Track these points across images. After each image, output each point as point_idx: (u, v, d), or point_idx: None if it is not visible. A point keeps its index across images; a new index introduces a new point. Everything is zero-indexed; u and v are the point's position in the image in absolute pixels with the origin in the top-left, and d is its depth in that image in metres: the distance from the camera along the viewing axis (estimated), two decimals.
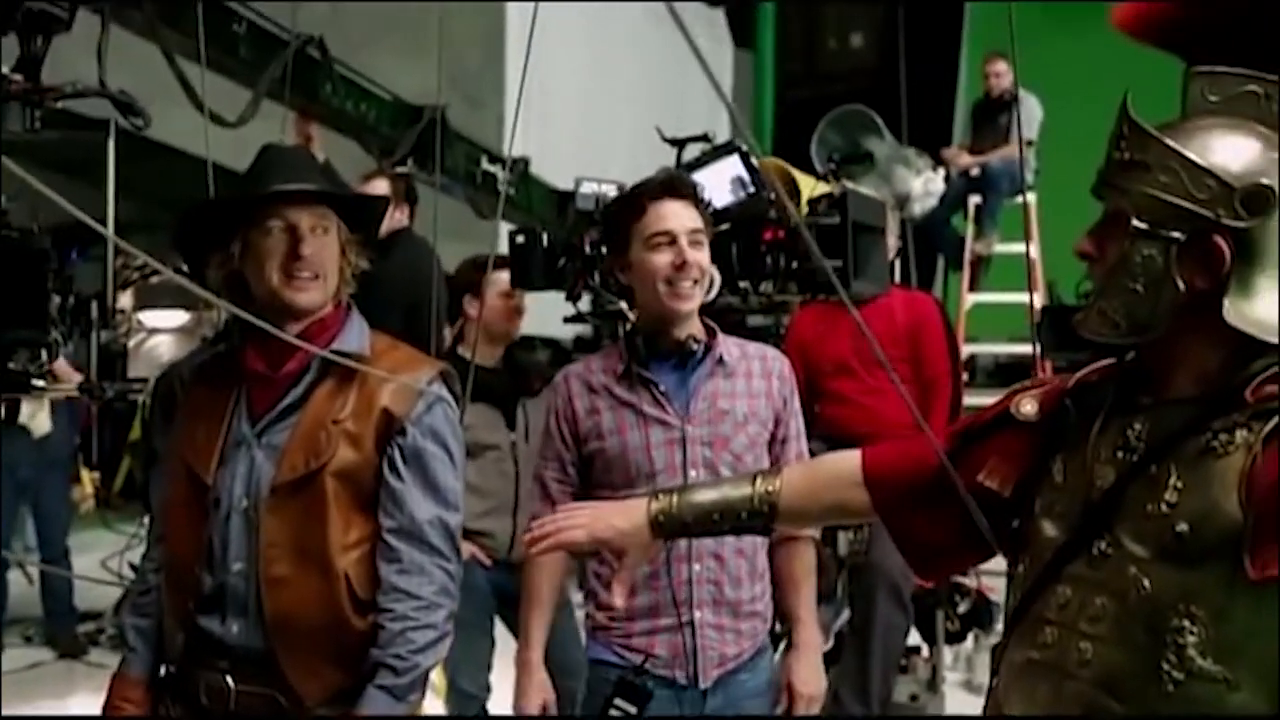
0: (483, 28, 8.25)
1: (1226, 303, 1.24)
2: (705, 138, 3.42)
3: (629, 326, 2.45)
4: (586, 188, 3.24)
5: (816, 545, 2.49)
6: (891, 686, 3.79)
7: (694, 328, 2.26)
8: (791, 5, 12.95)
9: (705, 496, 1.65)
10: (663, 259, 2.18)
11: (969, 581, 4.28)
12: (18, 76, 2.55)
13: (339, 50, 4.59)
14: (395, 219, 4.24)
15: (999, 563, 1.52)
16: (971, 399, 4.40)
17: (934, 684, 4.29)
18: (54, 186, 1.32)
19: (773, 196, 2.81)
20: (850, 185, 3.39)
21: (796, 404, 2.36)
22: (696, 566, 2.21)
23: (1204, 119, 1.29)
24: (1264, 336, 1.23)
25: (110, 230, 2.38)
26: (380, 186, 4.19)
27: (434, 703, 3.35)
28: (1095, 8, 1.62)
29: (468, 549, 2.78)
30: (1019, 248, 6.86)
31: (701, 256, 2.20)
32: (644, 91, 9.65)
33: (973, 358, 7.48)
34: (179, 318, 5.58)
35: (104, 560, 6.48)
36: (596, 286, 3.05)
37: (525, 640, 2.35)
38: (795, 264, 2.82)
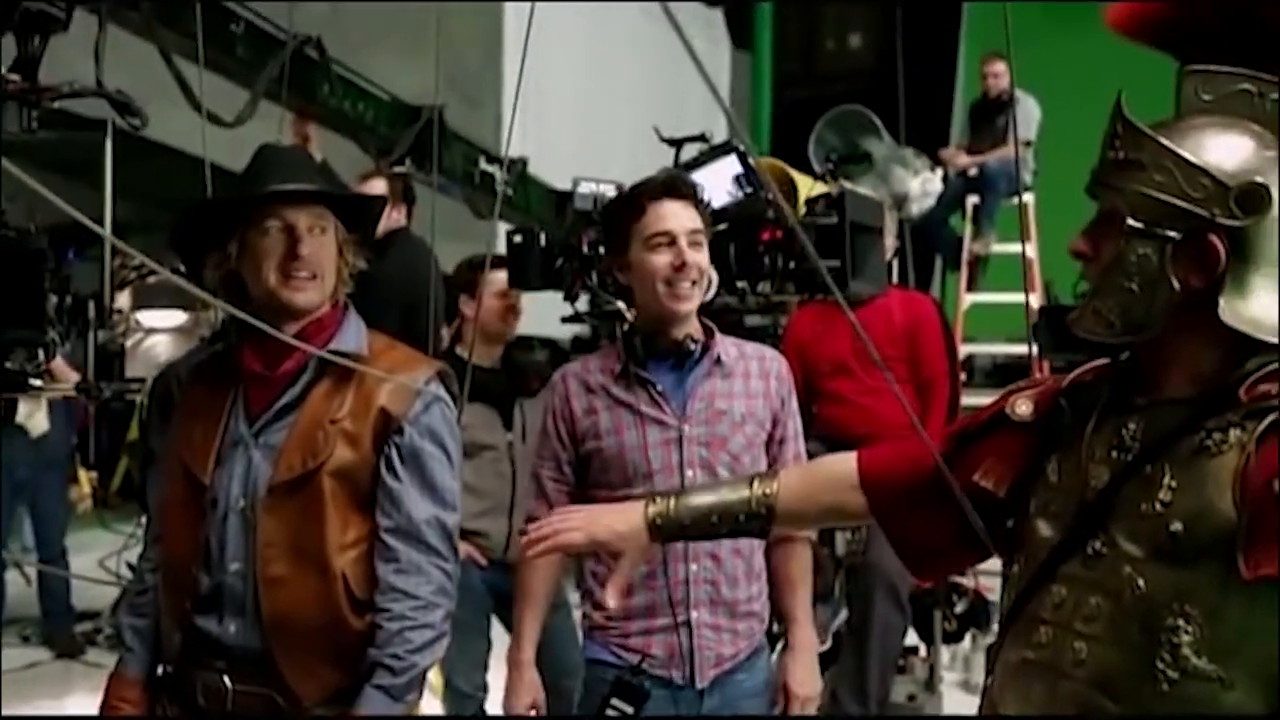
0: (481, 28, 8.25)
1: (1222, 301, 1.24)
2: (703, 137, 3.42)
3: (627, 326, 2.45)
4: (584, 188, 3.24)
5: (813, 546, 2.49)
6: (889, 686, 3.80)
7: (692, 328, 2.26)
8: (789, 6, 12.95)
9: (703, 499, 1.65)
10: (662, 259, 2.18)
11: (966, 581, 4.28)
12: (15, 76, 2.54)
13: (337, 50, 4.59)
14: (393, 219, 4.24)
15: (996, 563, 1.52)
16: (969, 399, 4.40)
17: (931, 684, 4.29)
18: (51, 186, 1.32)
19: (770, 197, 2.82)
20: (848, 185, 3.40)
21: (794, 404, 2.36)
22: (693, 566, 2.21)
23: (1197, 118, 1.29)
24: (1259, 335, 1.24)
25: (107, 230, 2.38)
26: (378, 186, 4.19)
27: (431, 702, 3.35)
28: (1094, 8, 1.62)
29: (464, 549, 2.78)
30: (1017, 248, 6.86)
31: (701, 257, 2.20)
32: (642, 91, 9.64)
33: (970, 358, 7.48)
34: (176, 318, 5.57)
35: (101, 560, 6.48)
36: (594, 286, 3.05)
37: (517, 639, 2.35)
38: (793, 264, 2.82)
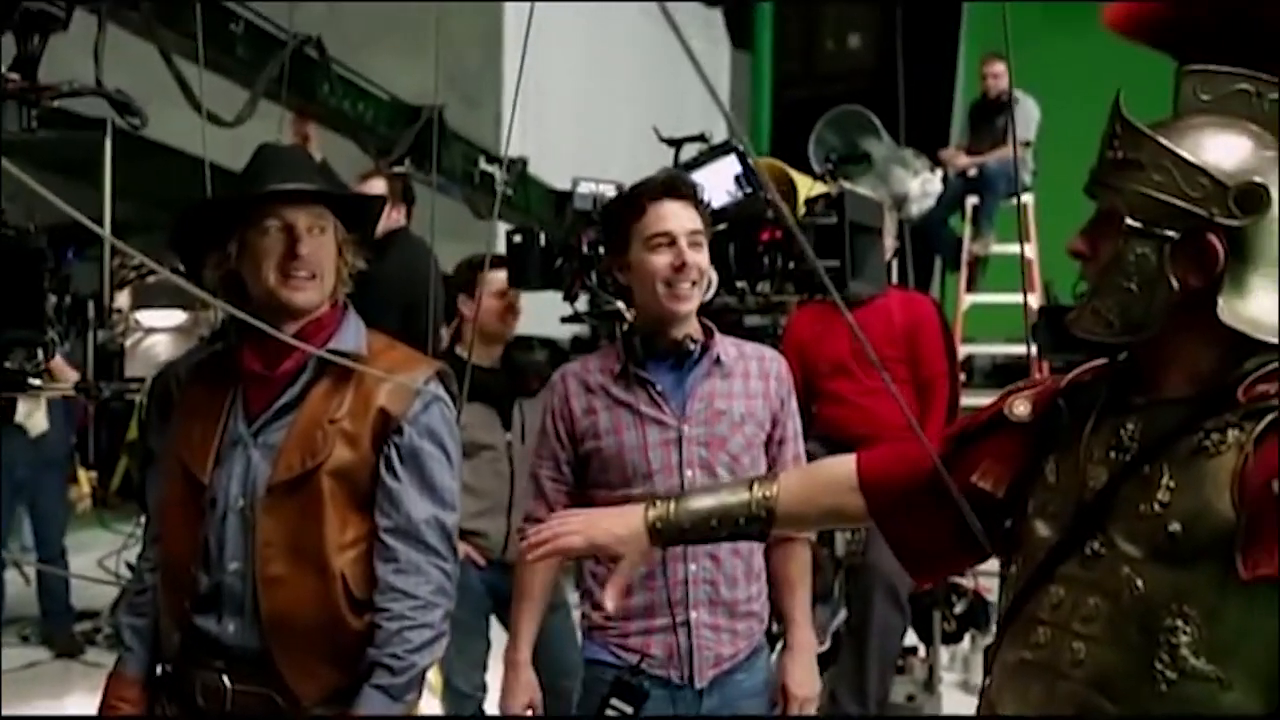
0: (481, 27, 8.25)
1: (1221, 301, 1.24)
2: (702, 137, 3.42)
3: (626, 326, 2.45)
4: (584, 188, 3.24)
5: (812, 546, 2.49)
6: (888, 687, 3.80)
7: (691, 328, 2.26)
8: (789, 6, 12.95)
9: (703, 503, 1.65)
10: (662, 260, 2.18)
11: (966, 582, 4.28)
12: (14, 76, 2.54)
13: (336, 50, 4.58)
14: (392, 219, 4.24)
15: (996, 563, 1.52)
16: (969, 400, 4.40)
17: (931, 684, 4.29)
18: (50, 186, 1.32)
19: (769, 198, 2.82)
20: (848, 186, 3.40)
21: (794, 404, 2.36)
22: (693, 566, 2.21)
23: (1196, 117, 1.29)
24: (1258, 335, 1.24)
25: (107, 230, 2.38)
26: (377, 186, 4.19)
27: (430, 702, 3.35)
28: (1093, 8, 1.62)
29: (462, 549, 2.77)
30: (1016, 248, 6.86)
31: (700, 258, 2.20)
32: (642, 91, 9.64)
33: (970, 358, 7.48)
34: (176, 317, 5.57)
35: (101, 560, 6.48)
36: (594, 286, 3.06)
37: (514, 639, 2.36)
38: (792, 264, 2.82)
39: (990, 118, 7.50)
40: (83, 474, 6.37)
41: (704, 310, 2.30)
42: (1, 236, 2.47)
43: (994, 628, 1.48)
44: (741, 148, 2.98)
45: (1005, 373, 7.34)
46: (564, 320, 3.43)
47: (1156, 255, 1.26)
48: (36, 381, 2.57)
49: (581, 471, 2.28)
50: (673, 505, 1.63)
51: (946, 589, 4.20)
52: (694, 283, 2.19)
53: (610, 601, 1.63)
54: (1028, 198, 7.15)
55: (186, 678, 1.96)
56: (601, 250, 2.96)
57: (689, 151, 3.39)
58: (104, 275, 2.80)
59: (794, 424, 2.35)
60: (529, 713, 2.33)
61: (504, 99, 8.10)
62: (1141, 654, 1.22)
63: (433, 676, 3.23)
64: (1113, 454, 1.31)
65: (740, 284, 2.84)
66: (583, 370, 2.31)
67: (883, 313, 3.69)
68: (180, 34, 3.51)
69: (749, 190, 2.91)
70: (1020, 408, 1.46)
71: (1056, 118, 7.30)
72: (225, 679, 1.91)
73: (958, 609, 4.25)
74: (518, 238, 3.24)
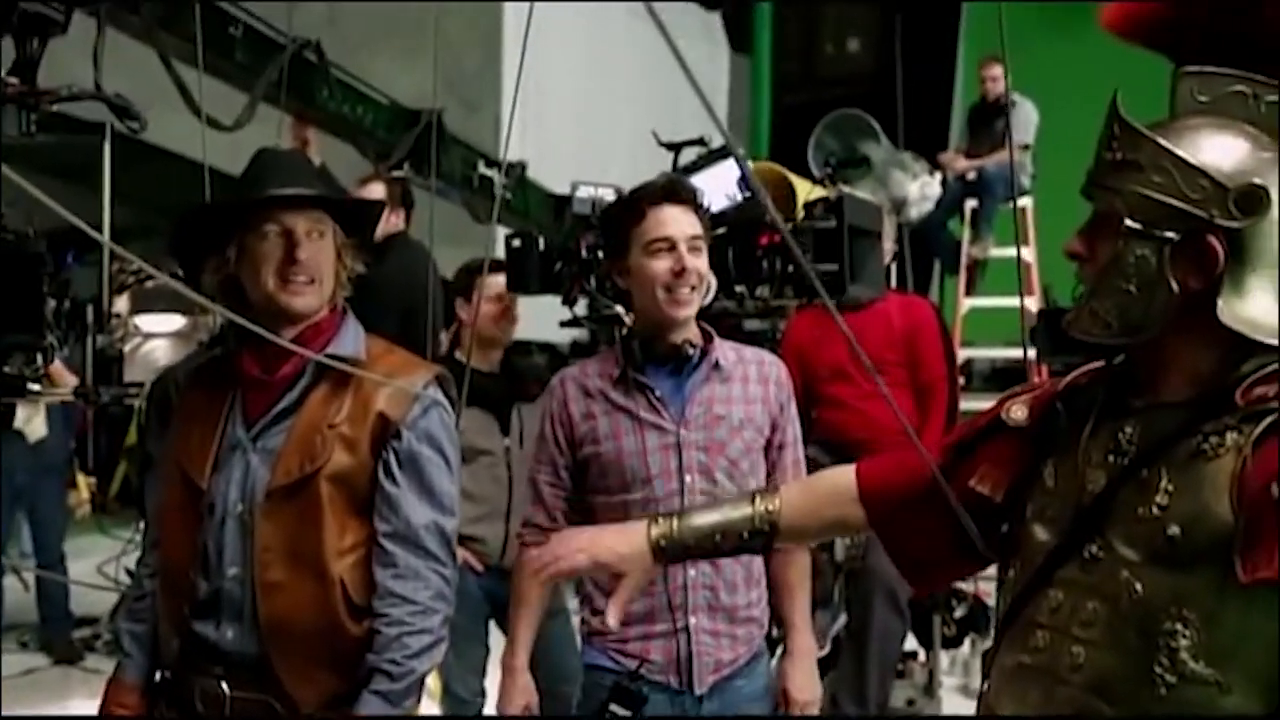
0: (480, 30, 8.25)
1: (1220, 303, 1.24)
2: (701, 141, 3.42)
3: (625, 331, 2.45)
4: (583, 192, 3.24)
5: (812, 551, 2.48)
6: (888, 691, 3.79)
7: (691, 333, 2.25)
8: (788, 9, 12.96)
9: (705, 519, 1.65)
10: (662, 265, 2.17)
11: (965, 586, 4.28)
12: (13, 80, 2.54)
13: (335, 53, 4.59)
14: (391, 223, 4.24)
15: (995, 568, 1.52)
16: (968, 403, 4.40)
17: (931, 689, 4.29)
18: (49, 191, 1.32)
19: (763, 203, 2.82)
20: (846, 189, 3.40)
21: (793, 409, 2.36)
22: (692, 572, 2.20)
23: (1193, 119, 1.29)
24: (1258, 336, 1.23)
25: (106, 235, 2.38)
26: (376, 190, 4.19)
27: (429, 707, 3.34)
28: (1091, 10, 1.62)
29: (460, 554, 2.78)
30: (1015, 252, 6.87)
31: (700, 263, 2.20)
32: (642, 93, 9.64)
33: (969, 362, 7.48)
34: (175, 322, 5.59)
35: (100, 565, 6.48)
36: (593, 291, 3.06)
37: (511, 644, 2.35)
38: (791, 268, 2.82)
39: (989, 121, 7.50)
40: (82, 479, 6.36)
41: (703, 315, 2.30)
42: (1, 241, 2.46)
43: (993, 632, 1.48)
44: (737, 153, 2.98)
45: (1004, 376, 7.34)
46: (563, 325, 3.43)
47: (1156, 257, 1.26)
48: (35, 386, 2.57)
49: (580, 476, 2.28)
50: (675, 522, 1.63)
51: (946, 593, 4.20)
52: (693, 288, 2.19)
53: (613, 619, 1.63)
54: (1026, 201, 7.17)
55: (185, 683, 1.95)
56: (600, 255, 2.96)
57: (688, 155, 3.40)
58: (103, 280, 2.80)
59: (793, 429, 2.35)
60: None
61: (503, 101, 8.10)
62: (1140, 658, 1.22)
63: (432, 682, 3.23)
64: (1111, 457, 1.31)
65: (739, 288, 2.85)
66: (581, 375, 2.31)
67: (882, 316, 3.69)
68: (179, 38, 3.51)
69: (749, 194, 2.91)
70: (1018, 412, 1.46)
71: (1056, 121, 7.30)
72: (224, 685, 1.91)
73: (958, 613, 4.25)
74: (517, 242, 3.25)
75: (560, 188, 4.94)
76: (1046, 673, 1.31)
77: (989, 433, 1.49)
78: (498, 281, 3.32)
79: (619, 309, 2.89)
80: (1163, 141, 1.26)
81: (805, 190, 3.23)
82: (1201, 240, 1.24)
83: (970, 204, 7.46)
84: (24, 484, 5.46)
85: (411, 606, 1.89)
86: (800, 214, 2.92)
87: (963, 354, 6.61)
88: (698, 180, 2.63)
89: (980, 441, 1.49)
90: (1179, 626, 1.19)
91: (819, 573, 2.85)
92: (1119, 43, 1.46)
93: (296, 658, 1.89)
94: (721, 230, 2.69)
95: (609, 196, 3.11)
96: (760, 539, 1.63)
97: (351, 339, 1.99)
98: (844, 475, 1.62)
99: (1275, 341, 1.23)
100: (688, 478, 2.19)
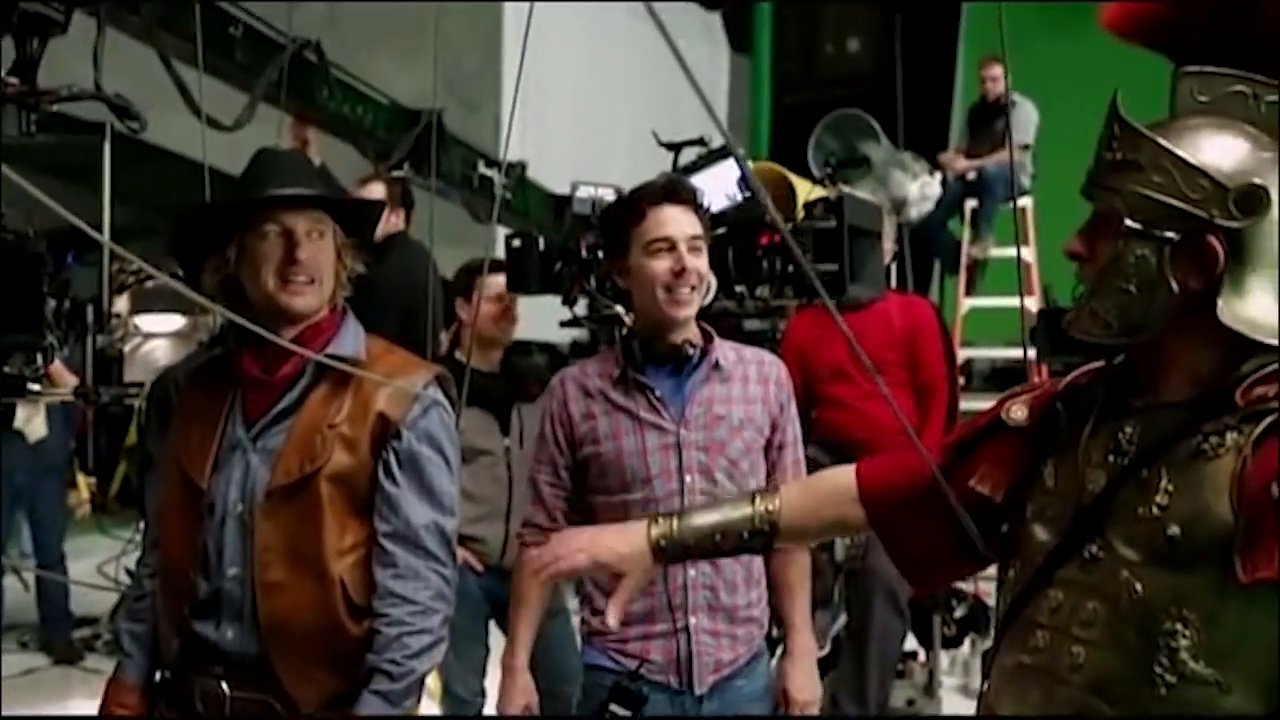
0: (480, 30, 8.25)
1: (1220, 303, 1.24)
2: (701, 141, 3.42)
3: (625, 331, 2.45)
4: (583, 192, 3.24)
5: (812, 551, 2.48)
6: (888, 691, 3.79)
7: (691, 333, 2.25)
8: (788, 9, 12.96)
9: (705, 519, 1.65)
10: (662, 265, 2.17)
11: (966, 586, 4.28)
12: (13, 80, 2.54)
13: (335, 53, 4.59)
14: (391, 223, 4.24)
15: (995, 568, 1.52)
16: (968, 403, 4.40)
17: (931, 689, 4.29)
18: (49, 191, 1.32)
19: (763, 203, 2.82)
20: (847, 189, 3.40)
21: (793, 409, 2.36)
22: (692, 572, 2.20)
23: (1193, 119, 1.29)
24: (1258, 336, 1.23)
25: (106, 235, 2.38)
26: (376, 190, 4.19)
27: (429, 707, 3.34)
28: (1091, 10, 1.62)
29: (460, 555, 2.77)
30: (1015, 252, 6.87)
31: (700, 263, 2.20)
32: (642, 93, 9.64)
33: (969, 362, 7.48)
34: (175, 322, 5.58)
35: (100, 565, 6.48)
36: (593, 291, 3.06)
37: (511, 644, 2.35)
38: (791, 268, 2.82)
39: (989, 121, 7.50)
40: (82, 479, 6.36)
41: (703, 315, 2.30)
42: (1, 241, 2.46)
43: (993, 632, 1.48)
44: (737, 153, 2.98)
45: (1004, 376, 7.34)
46: (563, 325, 3.43)
47: (1156, 257, 1.26)
48: (35, 386, 2.57)
49: (580, 476, 2.28)
50: (675, 522, 1.63)
51: (946, 593, 4.20)
52: (693, 288, 2.19)
53: (613, 620, 1.63)
54: (1026, 201, 7.17)
55: (185, 684, 1.95)
56: (600, 255, 2.96)
57: (688, 155, 3.40)
58: (103, 280, 2.80)
59: (793, 429, 2.35)
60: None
61: (503, 101, 8.10)
62: (1140, 658, 1.22)
63: (432, 682, 3.23)
64: (1111, 457, 1.31)
65: (739, 288, 2.84)
66: (581, 375, 2.31)
67: (882, 316, 3.69)
68: (179, 38, 3.51)
69: (749, 194, 2.91)
70: (1018, 412, 1.46)
71: (1056, 121, 7.30)
72: (224, 685, 1.91)
73: (958, 613, 4.25)
74: (517, 242, 3.24)
75: (560, 188, 4.94)
76: (1046, 673, 1.31)
77: (989, 433, 1.49)
78: (498, 281, 3.32)
79: (619, 309, 2.89)
80: (1163, 141, 1.26)
81: (805, 190, 3.23)
82: (1201, 240, 1.24)
83: (970, 204, 7.46)
84: (24, 484, 5.46)
85: (411, 606, 1.89)
86: (800, 214, 2.92)
87: (963, 354, 6.61)
88: (698, 180, 2.63)
89: (980, 441, 1.49)
90: (1179, 626, 1.19)
91: (819, 573, 2.85)
92: (1119, 43, 1.46)
93: (296, 658, 1.89)
94: (721, 230, 2.68)
95: (609, 196, 3.11)
96: (760, 539, 1.63)
97: (351, 339, 1.99)
98: (844, 475, 1.62)
99: (1275, 341, 1.23)
100: (688, 478, 2.19)
